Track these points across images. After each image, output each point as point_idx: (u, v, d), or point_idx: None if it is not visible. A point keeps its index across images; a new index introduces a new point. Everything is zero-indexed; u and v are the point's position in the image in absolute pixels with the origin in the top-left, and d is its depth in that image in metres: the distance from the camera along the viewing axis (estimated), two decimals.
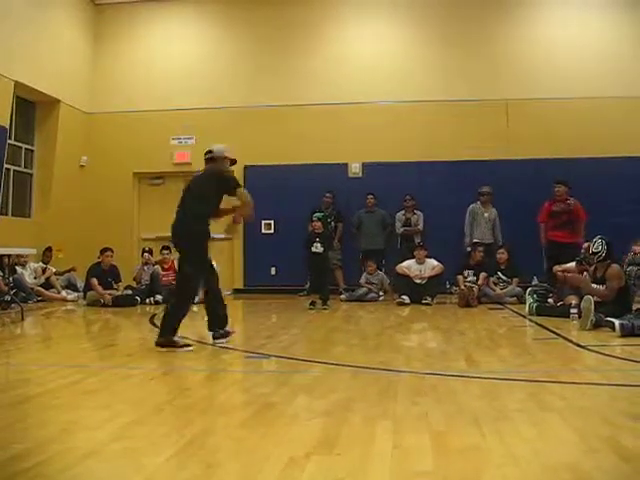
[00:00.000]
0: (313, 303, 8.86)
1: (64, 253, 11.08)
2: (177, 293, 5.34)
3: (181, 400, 3.42)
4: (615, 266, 6.34)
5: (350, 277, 10.77)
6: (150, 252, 10.31)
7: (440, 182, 11.17)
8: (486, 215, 10.39)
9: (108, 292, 9.39)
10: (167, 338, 5.02)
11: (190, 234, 5.27)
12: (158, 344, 5.03)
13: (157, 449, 2.47)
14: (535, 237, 9.99)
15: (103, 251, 9.77)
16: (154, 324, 7.07)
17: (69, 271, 10.93)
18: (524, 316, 7.48)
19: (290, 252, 10.53)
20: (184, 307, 5.20)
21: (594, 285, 6.44)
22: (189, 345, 5.12)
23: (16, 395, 3.47)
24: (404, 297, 9.24)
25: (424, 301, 9.18)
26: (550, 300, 7.65)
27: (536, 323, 6.74)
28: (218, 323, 5.33)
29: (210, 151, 5.67)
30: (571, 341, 5.34)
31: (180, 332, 5.95)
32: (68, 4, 11.92)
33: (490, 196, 10.43)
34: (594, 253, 6.45)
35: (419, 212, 10.82)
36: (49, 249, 10.71)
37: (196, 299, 9.43)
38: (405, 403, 3.19)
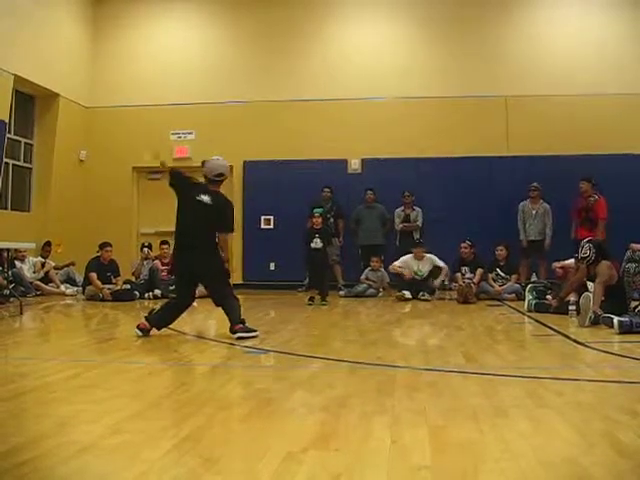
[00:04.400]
0: (312, 299, 8.86)
1: (63, 247, 11.08)
2: (225, 296, 5.52)
3: (179, 394, 3.41)
4: (603, 263, 6.34)
5: (349, 273, 10.76)
6: (149, 247, 10.31)
7: (439, 178, 11.18)
8: (533, 212, 10.36)
9: (107, 287, 9.39)
10: (246, 325, 5.35)
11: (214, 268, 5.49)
12: (241, 330, 5.28)
13: (155, 443, 2.47)
14: None
15: (102, 246, 9.77)
16: None
17: (68, 265, 10.93)
18: (522, 313, 7.48)
19: (289, 247, 10.54)
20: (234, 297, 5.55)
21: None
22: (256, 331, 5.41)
23: (13, 389, 3.47)
24: (405, 292, 9.25)
25: (422, 297, 9.19)
26: (549, 297, 7.65)
27: (535, 320, 6.74)
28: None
29: (223, 174, 5.60)
30: (569, 338, 5.34)
31: (180, 327, 5.97)
32: None
33: (538, 191, 10.35)
34: (583, 258, 6.51)
35: (418, 208, 10.82)
36: (48, 243, 10.71)
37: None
38: (403, 398, 3.19)
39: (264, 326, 6.36)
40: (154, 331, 5.49)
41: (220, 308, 5.54)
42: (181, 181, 5.68)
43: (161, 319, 5.54)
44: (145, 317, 5.51)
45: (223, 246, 5.57)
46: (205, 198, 5.46)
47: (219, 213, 5.48)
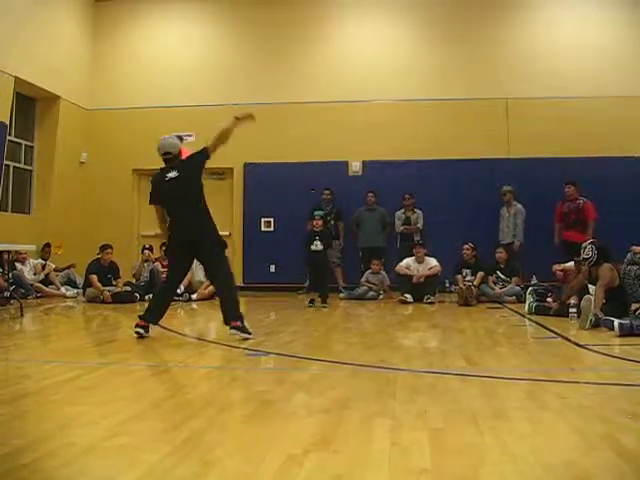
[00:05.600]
0: (312, 301, 8.86)
1: (64, 249, 11.09)
2: (227, 281, 5.55)
3: (179, 397, 3.42)
4: (605, 265, 6.32)
5: (350, 275, 10.77)
6: (150, 249, 10.30)
7: (440, 180, 11.18)
8: (506, 215, 10.42)
9: (107, 289, 9.39)
10: (244, 324, 5.35)
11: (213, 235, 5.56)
12: (237, 328, 5.28)
13: (155, 445, 2.47)
14: (535, 235, 10.13)
15: (103, 248, 9.77)
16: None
17: (68, 267, 10.93)
18: (523, 315, 7.48)
19: (290, 250, 10.54)
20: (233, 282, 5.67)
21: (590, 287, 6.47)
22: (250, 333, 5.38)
23: (14, 391, 3.47)
24: (407, 295, 9.23)
25: (427, 300, 9.16)
26: (549, 299, 7.65)
27: (535, 322, 6.74)
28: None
29: (168, 152, 5.59)
30: (570, 340, 5.33)
31: (180, 329, 5.97)
32: (69, 0, 11.91)
33: (509, 194, 10.42)
34: (585, 259, 6.49)
35: (419, 210, 10.81)
36: (48, 245, 10.71)
37: (195, 295, 9.61)
38: (404, 401, 3.19)
39: (264, 328, 6.36)
40: (152, 329, 5.51)
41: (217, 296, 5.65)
42: (152, 192, 5.69)
43: (154, 312, 5.55)
44: (139, 316, 5.52)
45: (224, 135, 5.71)
46: (172, 174, 5.53)
47: (192, 167, 5.55)
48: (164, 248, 10.30)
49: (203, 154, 5.57)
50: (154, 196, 5.64)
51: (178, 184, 5.47)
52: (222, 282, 5.58)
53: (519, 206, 10.38)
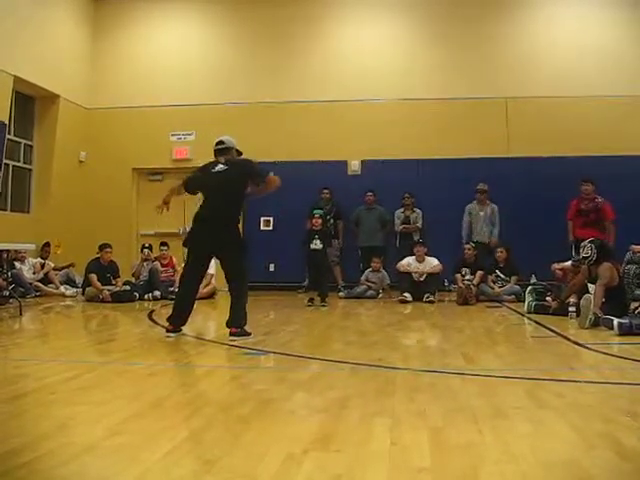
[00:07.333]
0: (312, 300, 8.86)
1: (63, 248, 11.09)
2: (240, 288, 5.50)
3: (179, 396, 3.41)
4: (605, 264, 6.30)
5: (349, 274, 10.76)
6: (149, 248, 10.29)
7: (439, 180, 11.17)
8: (481, 214, 10.37)
9: (107, 288, 9.38)
10: (244, 329, 5.34)
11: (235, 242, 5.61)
12: (236, 334, 5.25)
13: (154, 444, 2.46)
14: (534, 235, 10.13)
15: (102, 247, 9.76)
16: (153, 320, 7.08)
17: (68, 267, 10.93)
18: (522, 314, 7.48)
19: (289, 249, 10.54)
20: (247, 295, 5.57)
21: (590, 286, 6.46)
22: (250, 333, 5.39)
23: (13, 390, 3.47)
24: (406, 294, 9.22)
25: (426, 299, 9.14)
26: (548, 298, 7.65)
27: (534, 321, 6.74)
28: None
29: (222, 142, 5.71)
30: (569, 339, 5.34)
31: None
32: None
33: (485, 193, 10.39)
34: (584, 258, 6.47)
35: (418, 210, 10.81)
36: (47, 244, 10.70)
37: None
38: (403, 400, 3.19)
39: (264, 327, 6.36)
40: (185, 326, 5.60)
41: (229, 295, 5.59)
42: (193, 178, 5.77)
43: (179, 314, 5.54)
44: (167, 319, 5.59)
45: (271, 185, 5.78)
46: (220, 167, 5.60)
47: (241, 170, 5.60)
48: (168, 255, 10.37)
49: (256, 173, 5.67)
50: (190, 184, 5.70)
51: (226, 176, 5.53)
52: (234, 288, 5.55)
53: (494, 205, 10.36)
